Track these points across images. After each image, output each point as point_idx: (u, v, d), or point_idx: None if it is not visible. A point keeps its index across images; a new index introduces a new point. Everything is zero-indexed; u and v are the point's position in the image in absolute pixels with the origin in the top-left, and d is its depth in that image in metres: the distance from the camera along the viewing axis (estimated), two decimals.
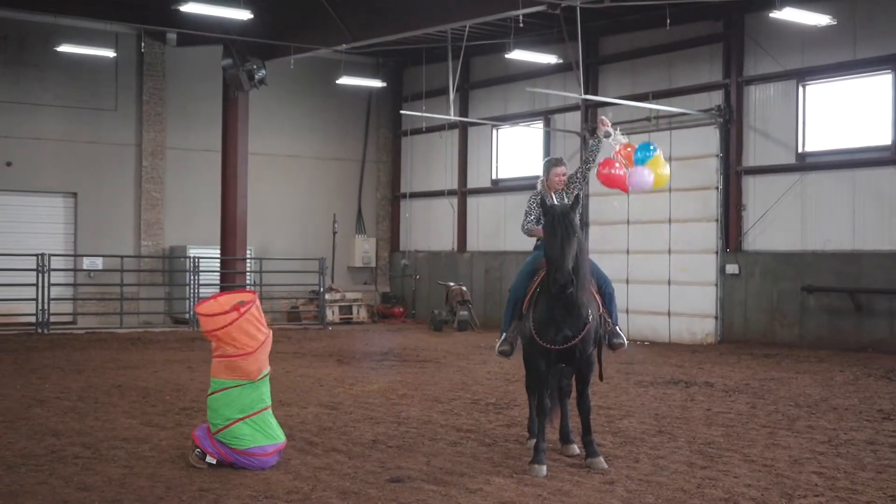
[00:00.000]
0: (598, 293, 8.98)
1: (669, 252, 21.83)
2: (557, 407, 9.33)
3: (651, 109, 21.98)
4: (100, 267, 24.95)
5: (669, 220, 21.84)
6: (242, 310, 8.48)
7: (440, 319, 24.56)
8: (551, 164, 9.60)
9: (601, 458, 8.62)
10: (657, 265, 22.05)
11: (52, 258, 22.81)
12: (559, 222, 8.27)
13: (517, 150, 26.64)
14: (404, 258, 29.36)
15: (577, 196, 8.87)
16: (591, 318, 8.53)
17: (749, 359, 17.87)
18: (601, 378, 9.25)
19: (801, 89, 20.34)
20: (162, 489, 7.70)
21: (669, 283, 21.82)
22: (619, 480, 8.12)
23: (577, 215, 8.50)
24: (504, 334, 9.25)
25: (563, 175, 9.51)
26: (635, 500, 7.51)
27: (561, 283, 8.11)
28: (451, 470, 8.43)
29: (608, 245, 22.93)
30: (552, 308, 8.45)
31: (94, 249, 24.94)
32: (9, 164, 24.17)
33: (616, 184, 10.44)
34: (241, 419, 8.43)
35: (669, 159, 21.66)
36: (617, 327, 9.16)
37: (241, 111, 24.41)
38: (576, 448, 9.15)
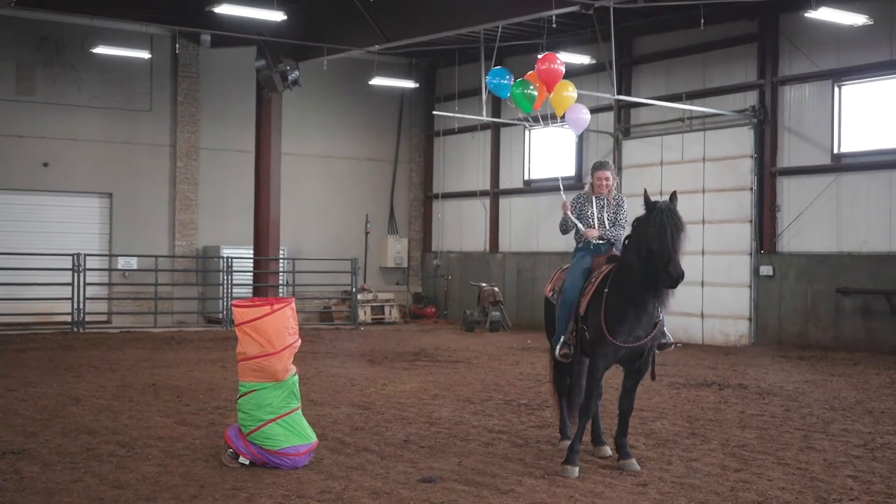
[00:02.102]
0: None
1: (703, 253, 21.70)
2: None
3: (685, 110, 21.88)
4: (134, 267, 25.14)
5: (703, 221, 21.70)
6: (276, 307, 8.55)
7: (472, 320, 24.55)
8: (595, 167, 9.56)
9: (634, 460, 8.59)
10: (690, 266, 21.79)
11: (88, 258, 23.00)
12: (668, 218, 8.27)
13: (550, 151, 26.58)
14: (436, 258, 29.37)
15: (674, 193, 8.71)
16: (661, 317, 8.58)
17: (783, 361, 17.74)
18: (653, 377, 9.19)
19: (836, 90, 20.17)
20: (195, 487, 7.75)
21: (703, 284, 21.69)
22: (651, 482, 8.08)
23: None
24: (562, 337, 9.14)
25: (607, 179, 9.42)
26: (668, 502, 7.48)
27: (675, 278, 8.13)
28: (482, 471, 8.42)
29: None
30: (625, 308, 8.44)
31: (129, 249, 25.14)
32: (45, 164, 24.41)
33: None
34: (273, 420, 8.47)
35: (703, 160, 21.71)
36: (665, 327, 9.10)
37: (275, 112, 24.52)
38: (608, 450, 9.12)
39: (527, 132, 26.80)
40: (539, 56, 12.06)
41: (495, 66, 22.91)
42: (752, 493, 7.75)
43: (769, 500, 7.57)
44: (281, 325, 8.54)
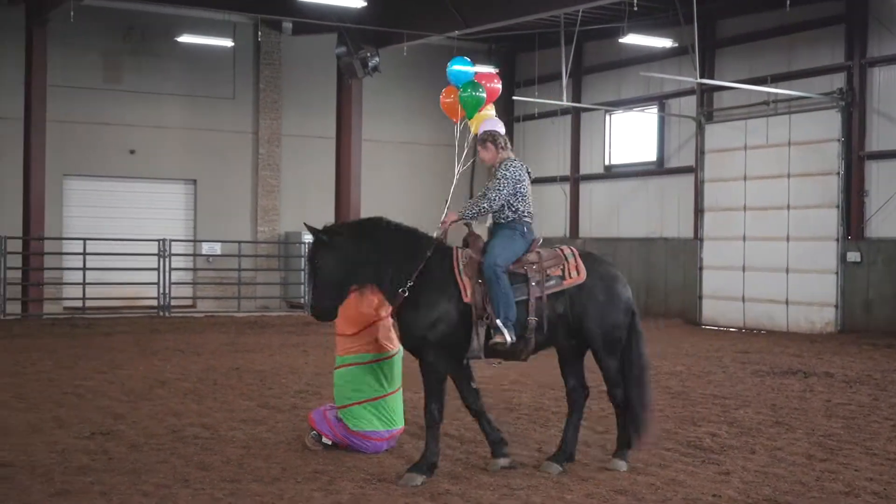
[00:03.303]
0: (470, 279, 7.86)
1: (788, 239, 21.31)
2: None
3: (769, 93, 21.47)
4: (218, 252, 25.52)
5: (788, 207, 21.30)
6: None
7: None
8: None
9: (502, 460, 7.88)
10: (775, 252, 21.55)
11: (173, 243, 23.43)
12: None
13: (630, 136, 26.33)
14: None
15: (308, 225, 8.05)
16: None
17: (871, 349, 17.35)
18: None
19: None
20: (278, 470, 7.85)
21: (787, 270, 21.30)
22: (734, 471, 7.97)
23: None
24: None
25: (481, 150, 8.72)
26: (752, 491, 7.37)
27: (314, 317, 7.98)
28: None
29: (724, 232, 22.51)
30: None
31: (213, 235, 25.52)
32: (132, 151, 24.91)
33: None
34: (361, 402, 8.54)
35: (788, 144, 21.28)
36: (499, 321, 7.69)
37: (355, 98, 24.68)
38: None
39: (607, 117, 26.56)
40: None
41: (574, 51, 22.86)
42: (839, 484, 7.60)
43: (856, 490, 7.41)
44: (365, 303, 8.54)
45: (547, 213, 28.46)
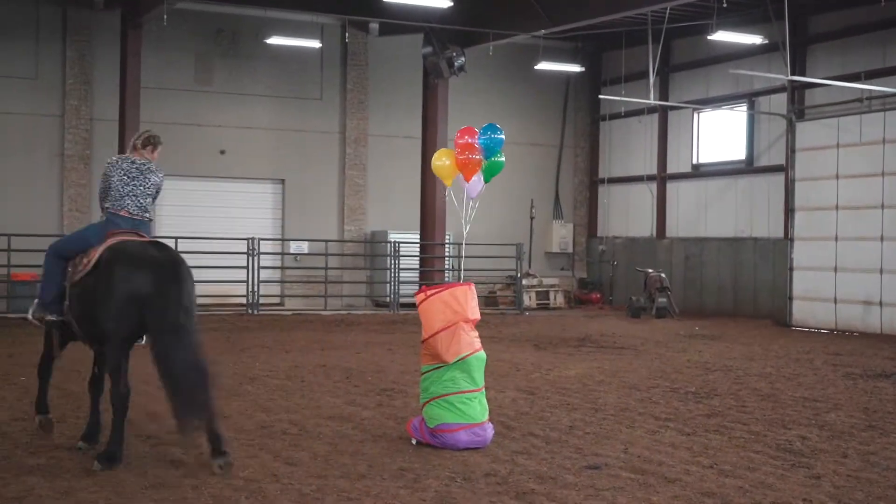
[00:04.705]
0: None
1: (882, 239, 20.80)
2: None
3: (863, 90, 20.99)
4: (305, 251, 25.85)
5: (882, 206, 20.79)
6: (429, 292, 8.91)
7: (638, 306, 24.24)
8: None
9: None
10: (868, 253, 21.05)
11: (262, 242, 23.78)
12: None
13: (719, 134, 25.98)
14: (602, 244, 29.12)
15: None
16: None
17: None
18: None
19: None
20: (364, 467, 7.92)
21: (881, 271, 20.80)
22: (826, 475, 7.83)
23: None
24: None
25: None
26: (843, 496, 7.22)
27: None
28: (648, 458, 8.33)
29: (815, 232, 22.05)
30: None
31: (301, 234, 25.85)
32: (222, 152, 25.35)
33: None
34: (430, 400, 8.74)
35: (883, 142, 20.75)
36: (36, 299, 8.51)
37: (441, 98, 24.77)
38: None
39: (695, 115, 26.25)
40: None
41: (662, 49, 22.65)
42: None
43: None
44: (434, 310, 8.79)
45: (634, 213, 28.27)
